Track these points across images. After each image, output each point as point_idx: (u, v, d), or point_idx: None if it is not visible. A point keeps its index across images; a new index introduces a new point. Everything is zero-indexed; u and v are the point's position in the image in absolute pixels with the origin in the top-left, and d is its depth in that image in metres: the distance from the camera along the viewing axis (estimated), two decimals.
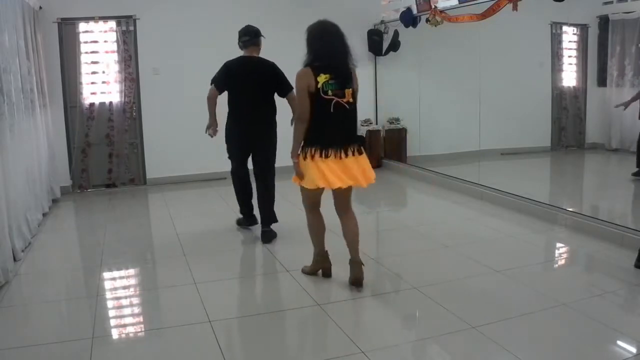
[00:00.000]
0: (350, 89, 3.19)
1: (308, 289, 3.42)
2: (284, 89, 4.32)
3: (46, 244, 4.57)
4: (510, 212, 5.04)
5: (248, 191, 4.65)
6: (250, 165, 4.59)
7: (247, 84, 4.32)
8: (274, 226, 4.46)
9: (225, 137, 4.52)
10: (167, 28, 6.54)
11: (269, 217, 4.44)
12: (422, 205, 5.88)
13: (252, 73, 4.33)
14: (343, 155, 3.15)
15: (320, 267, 3.54)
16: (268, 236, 4.37)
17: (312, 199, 3.36)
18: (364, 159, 3.25)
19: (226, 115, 4.45)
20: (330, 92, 3.11)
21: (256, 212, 4.65)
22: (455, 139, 7.13)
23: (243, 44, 4.40)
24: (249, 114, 4.34)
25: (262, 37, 4.43)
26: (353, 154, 3.19)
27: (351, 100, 3.19)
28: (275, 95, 4.43)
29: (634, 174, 5.44)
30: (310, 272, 3.58)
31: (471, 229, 4.69)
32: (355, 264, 3.33)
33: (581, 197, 5.93)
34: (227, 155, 4.63)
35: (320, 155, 3.13)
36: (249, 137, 4.38)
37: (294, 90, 3.54)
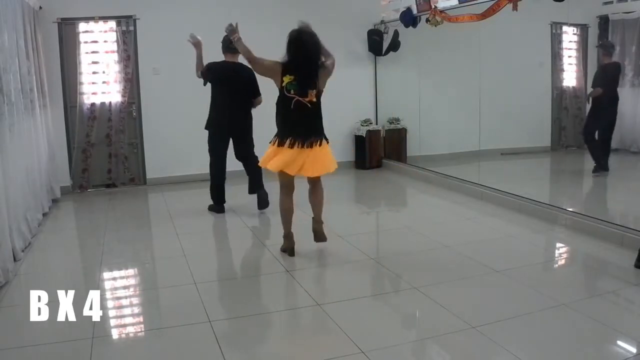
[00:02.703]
0: (315, 90, 3.64)
1: (308, 288, 3.42)
2: (254, 93, 5.08)
3: (46, 244, 4.57)
4: (510, 212, 5.03)
5: (223, 182, 5.30)
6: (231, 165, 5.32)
7: (231, 84, 5.00)
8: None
9: (208, 124, 5.12)
10: (167, 28, 6.52)
11: (260, 183, 5.23)
12: (422, 205, 5.88)
13: (236, 76, 4.97)
14: (305, 145, 3.63)
15: (287, 245, 3.92)
16: (265, 199, 5.18)
17: (281, 180, 3.84)
18: (322, 151, 3.72)
19: (208, 107, 5.14)
20: (292, 92, 3.60)
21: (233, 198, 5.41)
22: (455, 139, 7.11)
23: (231, 50, 4.90)
24: (231, 109, 5.01)
25: None
26: (311, 146, 3.66)
27: (314, 99, 3.65)
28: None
29: (595, 172, 5.64)
30: (283, 249, 3.97)
31: (471, 229, 4.69)
32: (317, 222, 3.95)
33: (581, 197, 5.93)
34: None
35: (281, 145, 3.65)
36: (229, 127, 5.07)
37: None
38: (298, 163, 3.68)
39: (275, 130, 3.84)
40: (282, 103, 3.69)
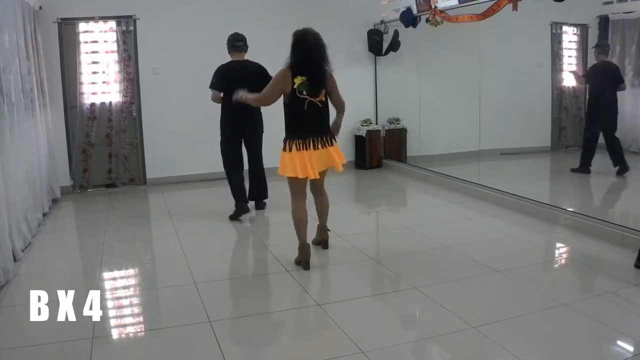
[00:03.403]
0: (324, 90, 3.62)
1: (308, 289, 3.42)
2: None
3: (46, 244, 4.57)
4: (510, 212, 5.03)
5: (241, 184, 5.11)
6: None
7: (241, 84, 4.74)
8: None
9: (221, 128, 5.07)
10: (167, 28, 6.53)
11: (262, 192, 5.26)
12: (422, 205, 5.88)
13: (245, 74, 4.87)
14: (320, 145, 3.62)
15: (302, 257, 3.72)
16: (262, 205, 5.28)
17: (294, 186, 3.72)
18: (335, 150, 3.70)
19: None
20: (304, 92, 3.56)
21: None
22: (455, 139, 7.11)
23: (237, 49, 4.96)
24: (241, 109, 4.74)
25: None
26: (324, 146, 3.65)
27: (324, 99, 3.64)
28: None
29: (574, 170, 5.76)
30: (297, 261, 3.78)
31: (471, 229, 4.69)
32: (323, 228, 4.00)
33: (581, 197, 5.93)
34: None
35: (298, 148, 3.57)
36: (240, 126, 5.01)
37: None
38: (321, 162, 3.65)
39: (281, 134, 3.75)
40: (294, 105, 3.60)
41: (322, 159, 3.66)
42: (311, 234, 4.09)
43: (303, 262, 3.70)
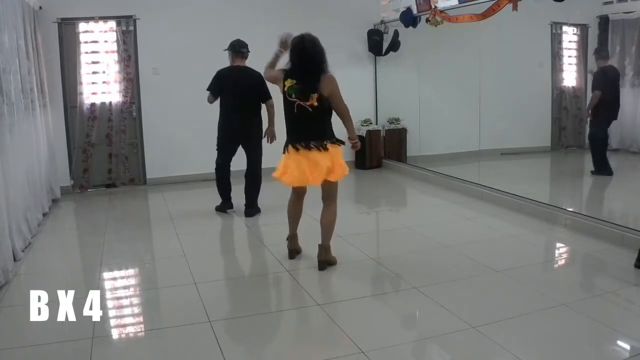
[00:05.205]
0: (316, 94, 3.52)
1: (308, 288, 3.42)
2: (264, 96, 4.96)
3: (46, 244, 4.57)
4: (510, 212, 5.03)
5: (227, 184, 5.26)
6: (236, 164, 5.24)
7: (236, 88, 4.93)
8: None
9: (217, 130, 5.13)
10: (167, 28, 6.53)
11: (253, 202, 5.20)
12: (422, 205, 5.88)
13: (244, 82, 4.95)
14: (305, 148, 3.54)
15: (288, 247, 3.94)
16: (251, 212, 5.17)
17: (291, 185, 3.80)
18: (323, 157, 3.54)
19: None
20: (293, 95, 3.54)
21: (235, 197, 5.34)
22: (455, 139, 7.12)
23: (241, 55, 5.03)
24: (238, 113, 4.98)
25: None
26: (310, 149, 3.54)
27: (315, 103, 3.52)
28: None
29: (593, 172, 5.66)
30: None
31: (471, 229, 4.69)
32: (321, 247, 3.73)
33: (581, 197, 5.93)
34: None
35: (288, 152, 3.62)
36: (236, 132, 5.04)
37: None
38: (303, 168, 3.55)
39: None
40: (286, 108, 3.64)
41: (306, 165, 3.55)
42: (315, 235, 4.08)
43: (288, 251, 3.93)
